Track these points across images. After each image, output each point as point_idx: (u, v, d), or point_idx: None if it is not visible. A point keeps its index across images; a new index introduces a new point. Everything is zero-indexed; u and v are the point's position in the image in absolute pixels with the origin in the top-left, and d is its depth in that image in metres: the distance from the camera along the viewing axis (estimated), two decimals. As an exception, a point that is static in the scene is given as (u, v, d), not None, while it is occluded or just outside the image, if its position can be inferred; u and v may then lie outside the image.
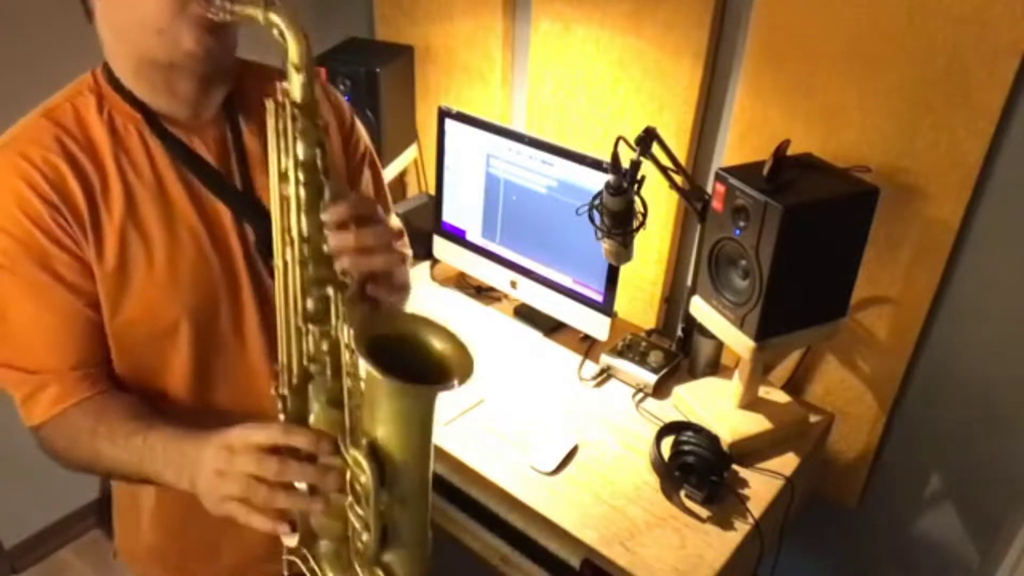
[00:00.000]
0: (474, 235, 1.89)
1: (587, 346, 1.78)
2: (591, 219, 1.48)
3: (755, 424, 1.52)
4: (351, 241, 0.82)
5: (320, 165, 0.82)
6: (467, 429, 1.54)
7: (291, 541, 0.88)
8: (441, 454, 1.50)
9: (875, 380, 1.61)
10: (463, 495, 1.53)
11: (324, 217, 0.82)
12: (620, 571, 1.30)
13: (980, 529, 1.63)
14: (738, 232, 1.33)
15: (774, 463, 1.50)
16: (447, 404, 1.58)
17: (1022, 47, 1.26)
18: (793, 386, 1.71)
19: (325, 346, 0.84)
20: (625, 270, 1.63)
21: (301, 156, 0.81)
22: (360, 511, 0.80)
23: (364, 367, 0.76)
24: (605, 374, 1.70)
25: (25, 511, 2.21)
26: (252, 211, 1.01)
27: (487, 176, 1.81)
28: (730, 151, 1.66)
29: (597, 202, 1.46)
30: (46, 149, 0.91)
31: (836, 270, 1.40)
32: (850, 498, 1.75)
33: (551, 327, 1.84)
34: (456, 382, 0.77)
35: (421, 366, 0.80)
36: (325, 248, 0.83)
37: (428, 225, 1.99)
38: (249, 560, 1.15)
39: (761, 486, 1.45)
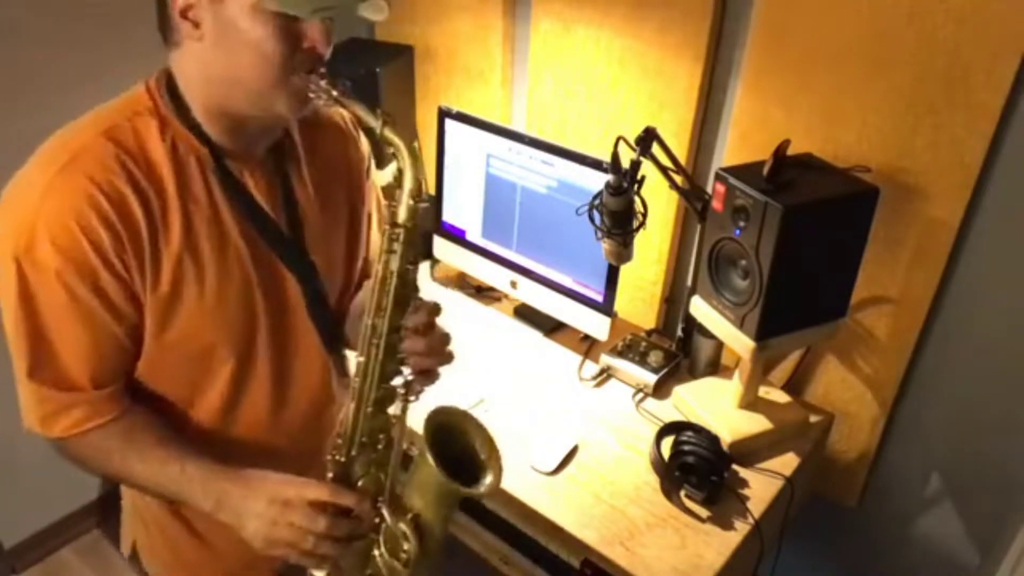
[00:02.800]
0: (474, 235, 1.89)
1: (587, 346, 1.78)
2: (591, 219, 1.48)
3: (755, 424, 1.52)
4: (422, 346, 0.97)
5: (410, 280, 0.94)
6: (467, 429, 1.54)
7: (320, 574, 1.03)
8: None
9: (875, 380, 1.61)
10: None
11: (408, 323, 0.96)
12: (620, 571, 1.30)
13: (980, 529, 1.63)
14: (738, 232, 1.33)
15: (774, 463, 1.50)
16: (448, 403, 1.57)
17: (1022, 47, 1.26)
18: (793, 386, 1.71)
19: (380, 428, 0.99)
20: (625, 270, 1.63)
21: (396, 268, 0.93)
22: (397, 566, 0.98)
23: (430, 464, 0.93)
24: (605, 374, 1.70)
25: (25, 511, 2.21)
26: (297, 259, 1.06)
27: (487, 176, 1.81)
28: (730, 151, 1.66)
29: (597, 202, 1.46)
30: (111, 172, 0.90)
31: (836, 270, 1.40)
32: (850, 498, 1.75)
33: (551, 327, 1.84)
34: (491, 485, 0.96)
35: (458, 454, 0.97)
36: (399, 346, 0.97)
37: (428, 225, 1.99)
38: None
39: (761, 486, 1.45)
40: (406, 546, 0.96)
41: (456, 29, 2.03)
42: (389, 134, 0.88)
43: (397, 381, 0.98)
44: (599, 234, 1.49)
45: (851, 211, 1.35)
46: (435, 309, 1.01)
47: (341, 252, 1.17)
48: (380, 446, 1.00)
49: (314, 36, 0.90)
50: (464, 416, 1.01)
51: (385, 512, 0.98)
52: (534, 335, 1.84)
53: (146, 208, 0.92)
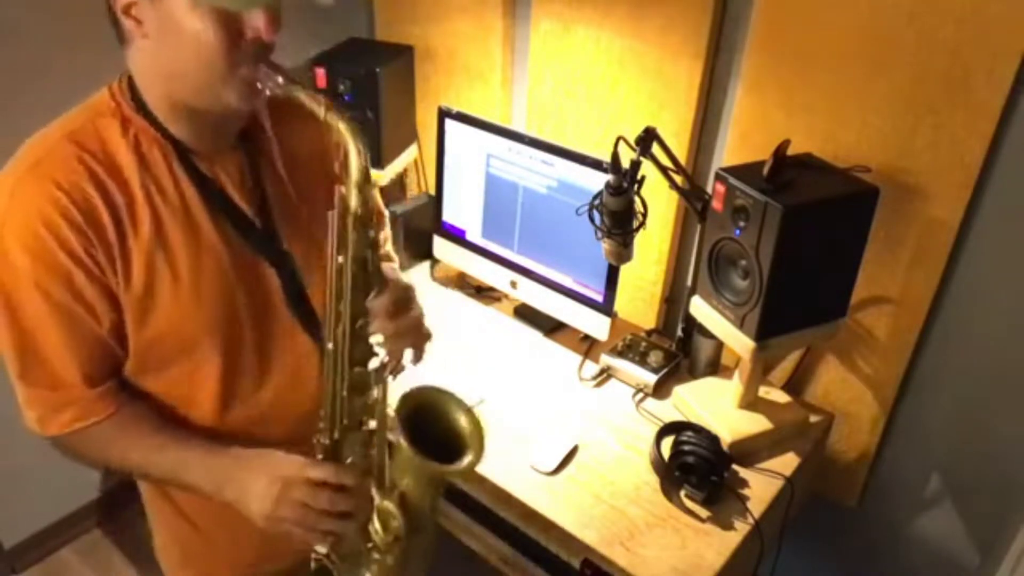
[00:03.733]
0: (474, 235, 1.89)
1: (587, 346, 1.78)
2: (591, 219, 1.48)
3: (755, 424, 1.52)
4: (390, 328, 0.97)
5: (370, 264, 0.94)
6: (467, 429, 1.54)
7: (323, 549, 1.05)
8: (441, 454, 1.51)
9: (875, 380, 1.61)
10: (463, 495, 1.53)
11: (370, 306, 0.95)
12: (620, 571, 1.30)
13: (980, 529, 1.63)
14: (738, 232, 1.33)
15: (774, 463, 1.50)
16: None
17: (1022, 47, 1.26)
18: (793, 386, 1.71)
19: (361, 410, 1.00)
20: (625, 270, 1.63)
21: (354, 253, 0.92)
22: (391, 540, 1.01)
23: (404, 446, 0.95)
24: (605, 374, 1.70)
25: (25, 511, 2.21)
26: (271, 249, 1.06)
27: (487, 176, 1.81)
28: (730, 151, 1.66)
29: (597, 202, 1.46)
30: (74, 173, 0.90)
31: (836, 270, 1.40)
32: (850, 498, 1.75)
33: (551, 327, 1.84)
34: (473, 460, 0.99)
35: (443, 433, 1.00)
36: (368, 329, 0.96)
37: (428, 225, 1.99)
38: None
39: (761, 486, 1.45)
40: (394, 523, 1.00)
41: (456, 29, 2.03)
42: (332, 118, 0.88)
43: (374, 363, 0.98)
44: (599, 234, 1.49)
45: (851, 211, 1.35)
46: (405, 289, 1.01)
47: (324, 235, 1.16)
48: (365, 427, 1.01)
49: (256, 25, 0.88)
50: (444, 394, 1.02)
51: (373, 490, 1.01)
52: (534, 335, 1.84)
53: (112, 207, 0.92)
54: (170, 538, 1.23)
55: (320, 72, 1.97)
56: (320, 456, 1.00)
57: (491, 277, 1.91)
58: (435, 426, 1.00)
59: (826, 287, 1.41)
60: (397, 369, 1.07)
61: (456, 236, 1.93)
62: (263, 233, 1.05)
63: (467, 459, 0.98)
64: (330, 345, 0.96)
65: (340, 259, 0.92)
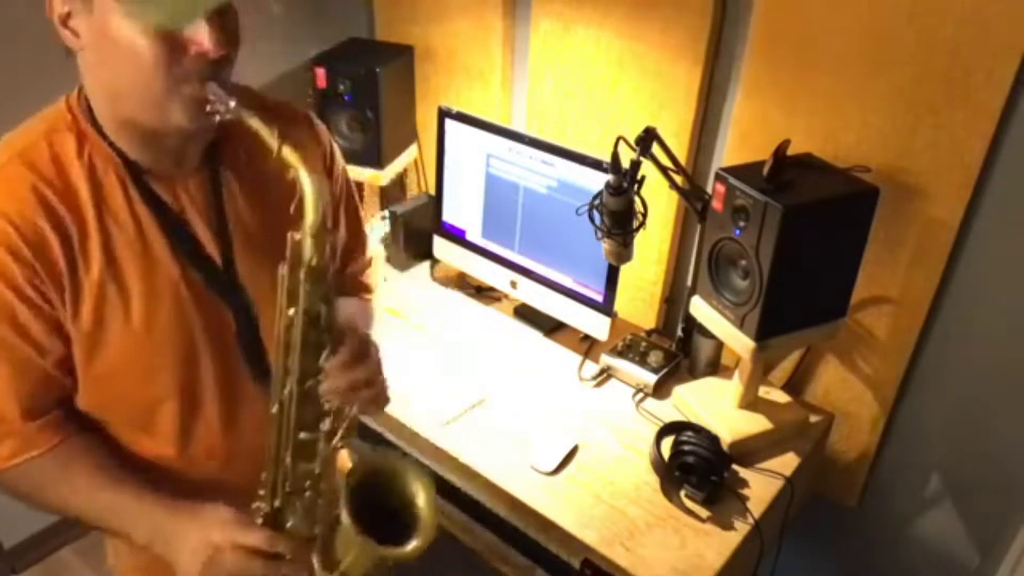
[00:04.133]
0: (474, 235, 1.89)
1: (587, 346, 1.78)
2: (591, 219, 1.48)
3: (755, 424, 1.52)
4: (343, 383, 0.90)
5: (323, 319, 0.88)
6: (467, 429, 1.54)
7: None
8: (441, 454, 1.50)
9: (875, 380, 1.61)
10: (463, 495, 1.53)
11: (325, 365, 0.89)
12: (620, 571, 1.30)
13: (980, 529, 1.63)
14: (738, 232, 1.33)
15: (774, 463, 1.50)
16: (448, 403, 1.58)
17: (1022, 47, 1.26)
18: (793, 386, 1.71)
19: (306, 476, 0.95)
20: (625, 270, 1.63)
21: (306, 307, 0.86)
22: None
23: (346, 523, 0.89)
24: (605, 374, 1.70)
25: (25, 511, 2.18)
26: (226, 287, 0.99)
27: (487, 176, 1.81)
28: (730, 151, 1.66)
29: (597, 202, 1.46)
30: (23, 203, 0.86)
31: (836, 270, 1.40)
32: (850, 498, 1.75)
33: (551, 327, 1.84)
34: (419, 544, 0.92)
35: (395, 505, 0.94)
36: (319, 388, 0.90)
37: (428, 225, 1.99)
38: None
39: (761, 486, 1.45)
40: None
41: (456, 29, 2.03)
42: (288, 155, 0.82)
43: (325, 425, 0.93)
44: (599, 234, 1.49)
45: (851, 211, 1.35)
46: (363, 343, 0.93)
47: None
48: (308, 493, 0.96)
49: (199, 39, 0.81)
50: (400, 463, 0.97)
51: (315, 563, 0.97)
52: (534, 335, 1.84)
53: (63, 238, 0.87)
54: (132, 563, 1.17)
55: (320, 72, 1.97)
56: (260, 521, 0.95)
57: (491, 277, 1.91)
58: (387, 497, 0.94)
59: (826, 287, 1.41)
60: (348, 434, 0.97)
61: (456, 236, 1.93)
62: (221, 269, 0.99)
63: (413, 542, 0.92)
64: (275, 408, 0.91)
65: (291, 312, 0.87)
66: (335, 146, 1.16)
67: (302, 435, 0.92)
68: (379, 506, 0.92)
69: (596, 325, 1.72)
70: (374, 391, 0.96)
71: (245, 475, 1.00)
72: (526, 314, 1.88)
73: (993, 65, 1.29)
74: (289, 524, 0.97)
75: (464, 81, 2.09)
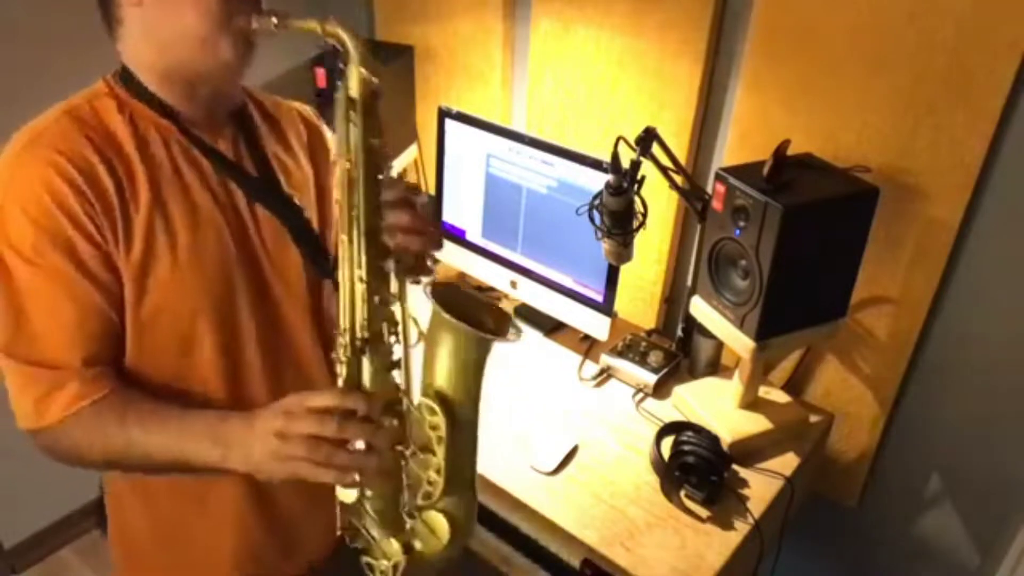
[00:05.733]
0: (474, 235, 1.89)
1: (587, 346, 1.78)
2: (591, 219, 1.48)
3: (755, 424, 1.52)
4: (405, 219, 0.93)
5: (379, 150, 0.93)
6: (467, 429, 1.54)
7: (349, 498, 0.96)
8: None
9: (875, 380, 1.61)
10: (463, 495, 1.53)
11: (384, 196, 0.92)
12: (620, 571, 1.30)
13: (980, 529, 1.63)
14: (738, 232, 1.33)
15: (774, 463, 1.50)
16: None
17: (1022, 47, 1.26)
18: (793, 386, 1.71)
19: (382, 314, 0.92)
20: (625, 270, 1.63)
21: (359, 142, 0.91)
22: (433, 453, 0.93)
23: (441, 317, 0.89)
24: (605, 374, 1.70)
25: (25, 511, 2.21)
26: (275, 200, 1.07)
27: (487, 176, 1.81)
28: (730, 151, 1.66)
29: (597, 202, 1.46)
30: (75, 143, 0.92)
31: (836, 270, 1.40)
32: (850, 498, 1.75)
33: (551, 327, 1.84)
34: (511, 336, 0.93)
35: (473, 319, 0.92)
36: (382, 224, 0.92)
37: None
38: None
39: (761, 486, 1.45)
40: (436, 420, 0.91)
41: (456, 29, 2.03)
42: (331, 28, 0.90)
43: (389, 266, 0.93)
44: (599, 234, 1.49)
45: (851, 211, 1.35)
46: (411, 187, 0.98)
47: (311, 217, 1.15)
48: (387, 339, 0.93)
49: None
50: (463, 293, 0.97)
51: (404, 400, 0.93)
52: (534, 335, 1.84)
53: (113, 174, 0.93)
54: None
55: (320, 72, 1.97)
56: (340, 377, 0.92)
57: (491, 277, 1.91)
58: (465, 312, 0.91)
59: (826, 287, 1.41)
60: (419, 270, 0.98)
61: (456, 236, 1.93)
62: (265, 185, 1.06)
63: (510, 333, 0.93)
64: (344, 236, 0.90)
65: (349, 145, 0.92)
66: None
67: (374, 267, 0.90)
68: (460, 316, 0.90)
69: (596, 325, 1.72)
70: (431, 234, 0.99)
71: None
72: (526, 314, 1.88)
73: (993, 65, 1.29)
74: (368, 378, 0.92)
75: (464, 81, 2.09)
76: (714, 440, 1.42)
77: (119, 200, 0.93)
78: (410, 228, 0.94)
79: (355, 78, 0.92)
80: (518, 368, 1.73)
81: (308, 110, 1.22)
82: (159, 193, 0.96)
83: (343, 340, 0.91)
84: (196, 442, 0.93)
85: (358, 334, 0.90)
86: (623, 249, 1.51)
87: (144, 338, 0.99)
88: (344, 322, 0.91)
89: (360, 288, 0.90)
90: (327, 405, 0.86)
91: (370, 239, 0.90)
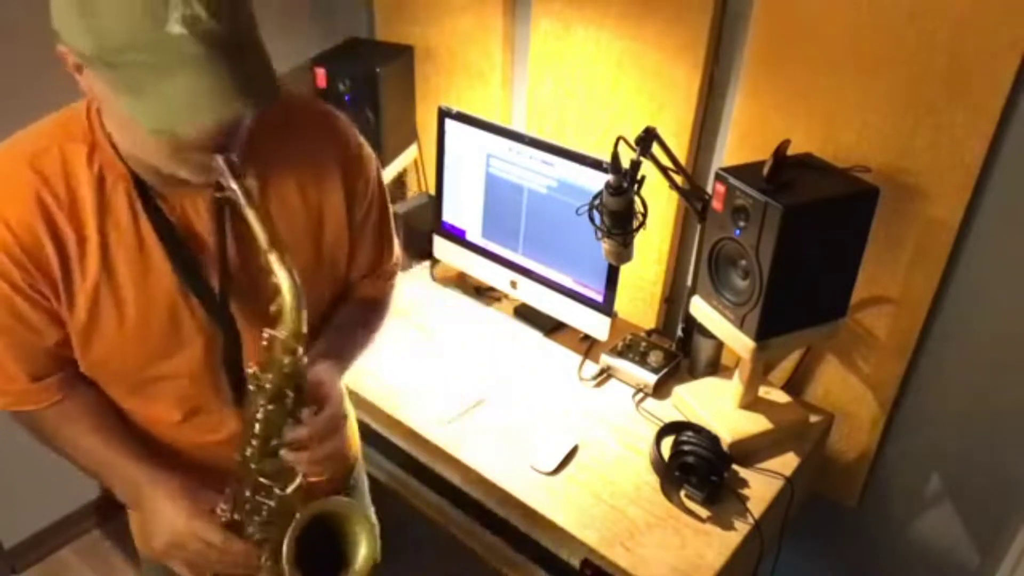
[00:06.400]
0: (474, 235, 1.89)
1: (587, 346, 1.78)
2: (591, 219, 1.48)
3: (755, 424, 1.52)
4: (303, 460, 0.99)
5: (289, 405, 0.96)
6: (467, 429, 1.54)
7: None
8: (441, 454, 1.51)
9: (875, 380, 1.61)
10: (463, 495, 1.53)
11: (286, 439, 0.97)
12: (620, 571, 1.30)
13: (980, 529, 1.63)
14: (738, 232, 1.33)
15: (774, 463, 1.50)
16: (448, 403, 1.58)
17: (1022, 47, 1.26)
18: (793, 386, 1.71)
19: (264, 506, 1.04)
20: (625, 270, 1.63)
21: (277, 382, 0.94)
22: None
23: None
24: (605, 374, 1.70)
25: (25, 511, 2.21)
26: (221, 315, 1.01)
27: (487, 176, 1.81)
28: (730, 151, 1.66)
29: (597, 202, 1.46)
30: (25, 209, 0.89)
31: (836, 270, 1.40)
32: (850, 498, 1.75)
33: (551, 327, 1.84)
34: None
35: (338, 543, 1.07)
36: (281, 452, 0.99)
37: (428, 225, 1.99)
38: None
39: (761, 486, 1.45)
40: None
41: (456, 29, 2.03)
42: (273, 262, 0.86)
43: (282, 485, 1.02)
44: (599, 234, 1.49)
45: (851, 211, 1.35)
46: (331, 419, 1.00)
47: (306, 261, 1.06)
48: (264, 513, 1.03)
49: (198, 138, 0.81)
50: (354, 507, 1.08)
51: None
52: (534, 335, 1.84)
53: (59, 246, 0.91)
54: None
55: (320, 72, 1.97)
56: (224, 522, 1.02)
57: (491, 277, 1.91)
58: (331, 535, 1.06)
59: (826, 287, 1.41)
60: (305, 484, 1.05)
61: (456, 236, 1.93)
62: (216, 295, 1.00)
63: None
64: (238, 457, 1.00)
65: (265, 382, 0.94)
66: (366, 151, 1.11)
67: (262, 480, 1.01)
68: (325, 539, 1.05)
69: (596, 325, 1.72)
70: (328, 468, 1.04)
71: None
72: (526, 314, 1.88)
73: (993, 65, 1.29)
74: (247, 532, 1.05)
75: (464, 81, 2.09)
76: (714, 440, 1.42)
77: (62, 272, 0.92)
78: (311, 462, 1.00)
79: (278, 356, 0.93)
80: (518, 368, 1.73)
81: (351, 139, 1.09)
82: (109, 262, 0.93)
83: (226, 506, 1.03)
84: (112, 480, 1.05)
85: (240, 508, 1.03)
86: (623, 249, 1.51)
87: (96, 374, 1.03)
88: (231, 495, 1.03)
89: (247, 493, 1.02)
90: (214, 543, 1.00)
91: (265, 460, 1.00)
